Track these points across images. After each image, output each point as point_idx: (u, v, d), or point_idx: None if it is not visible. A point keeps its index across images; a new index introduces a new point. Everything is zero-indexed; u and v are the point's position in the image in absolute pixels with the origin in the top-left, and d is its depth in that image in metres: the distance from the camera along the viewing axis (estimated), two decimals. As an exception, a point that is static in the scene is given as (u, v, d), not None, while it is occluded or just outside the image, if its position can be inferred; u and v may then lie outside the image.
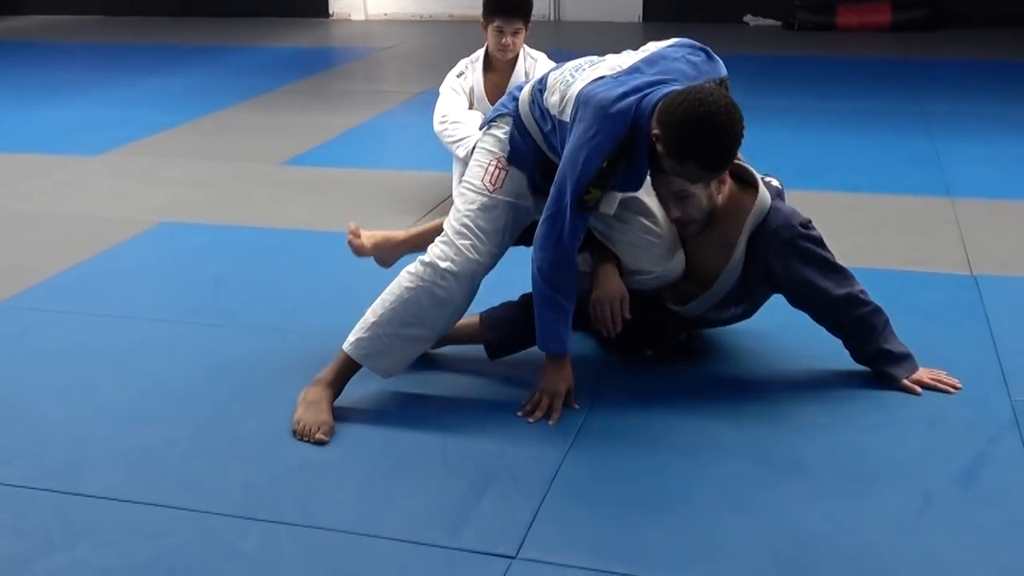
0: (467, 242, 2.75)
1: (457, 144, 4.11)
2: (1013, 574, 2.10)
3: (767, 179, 2.91)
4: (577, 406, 2.77)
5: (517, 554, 2.19)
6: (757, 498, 2.38)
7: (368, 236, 3.16)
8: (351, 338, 2.79)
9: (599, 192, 2.60)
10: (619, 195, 2.77)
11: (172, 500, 2.41)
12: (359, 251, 3.16)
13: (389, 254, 3.19)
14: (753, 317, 3.02)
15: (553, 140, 2.72)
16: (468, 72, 4.28)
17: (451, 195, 4.33)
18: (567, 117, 2.64)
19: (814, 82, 7.18)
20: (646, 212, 2.81)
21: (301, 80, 7.58)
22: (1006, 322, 3.23)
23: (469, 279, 2.76)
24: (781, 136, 5.52)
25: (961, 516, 2.29)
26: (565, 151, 2.62)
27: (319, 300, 3.52)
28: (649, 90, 2.55)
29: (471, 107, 4.26)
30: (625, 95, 2.53)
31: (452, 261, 2.74)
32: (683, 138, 2.43)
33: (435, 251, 2.78)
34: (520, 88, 2.87)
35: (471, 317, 2.99)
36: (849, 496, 2.38)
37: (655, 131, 2.48)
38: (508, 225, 2.80)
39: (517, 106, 2.81)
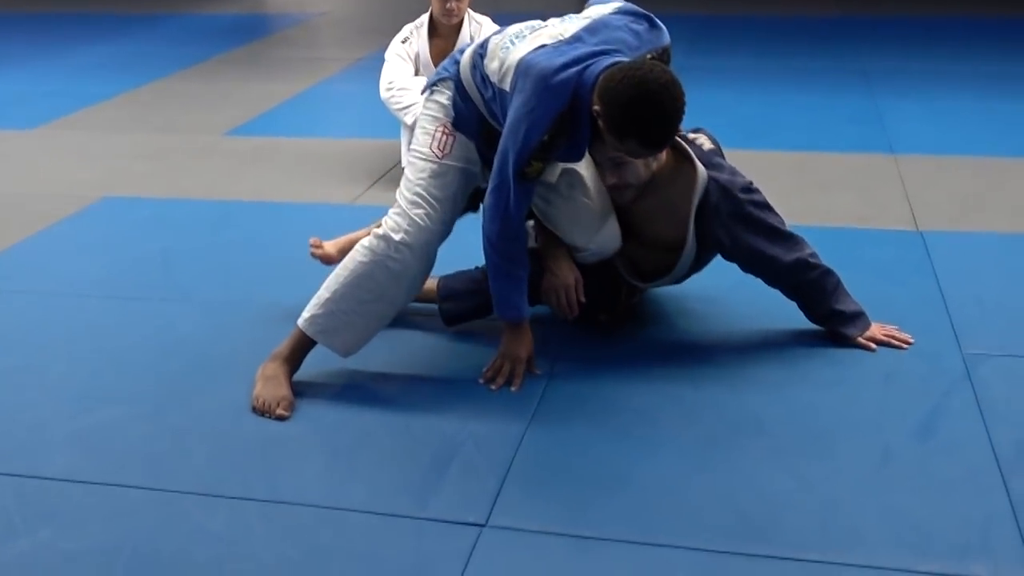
0: (420, 211, 2.72)
1: (405, 111, 4.07)
2: (973, 524, 2.16)
3: (699, 138, 2.91)
4: (539, 371, 2.78)
5: (487, 522, 2.20)
6: (720, 458, 2.42)
7: (332, 244, 3.15)
8: (306, 314, 2.76)
9: (541, 164, 2.58)
10: (560, 165, 2.77)
11: (134, 480, 2.38)
12: (326, 260, 3.13)
13: None
14: (705, 279, 3.05)
15: (494, 107, 2.68)
16: (413, 38, 4.23)
17: (400, 162, 4.30)
18: (507, 86, 2.59)
19: (754, 42, 7.22)
20: (583, 188, 2.81)
21: (237, 48, 7.46)
22: (953, 277, 3.29)
23: (424, 249, 2.74)
24: (725, 96, 5.55)
25: (920, 469, 2.34)
26: (506, 122, 2.58)
27: (271, 273, 3.48)
28: (590, 61, 2.50)
29: (417, 73, 4.22)
30: (566, 66, 2.49)
31: (406, 232, 2.71)
32: (624, 117, 2.41)
33: (388, 223, 2.74)
34: (462, 51, 2.81)
35: (430, 280, 2.99)
36: (810, 453, 2.42)
37: (596, 107, 2.46)
38: (459, 191, 2.78)
39: (458, 70, 2.76)
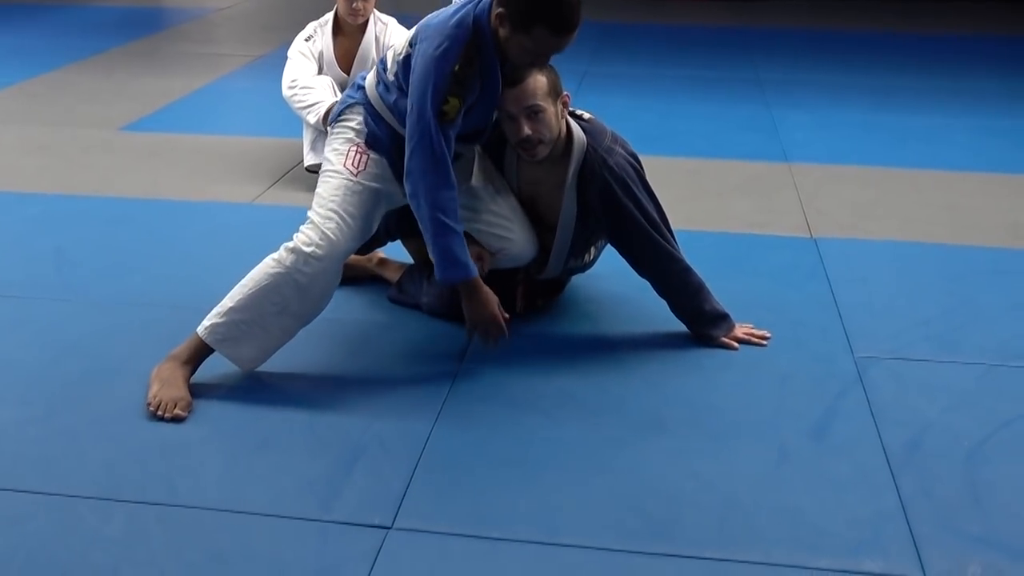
0: (333, 225, 2.70)
1: (308, 110, 4.04)
2: (865, 522, 2.23)
3: (583, 114, 2.97)
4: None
5: (392, 524, 2.20)
6: (623, 458, 2.45)
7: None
8: (206, 322, 2.71)
9: (458, 101, 2.57)
10: (487, 165, 2.86)
11: (26, 484, 2.31)
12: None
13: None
14: (611, 280, 3.10)
15: (401, 107, 2.70)
16: (317, 36, 4.20)
17: (303, 162, 4.26)
18: (405, 52, 2.65)
19: (653, 50, 7.34)
20: (496, 198, 2.91)
21: (133, 41, 7.28)
22: (845, 282, 3.40)
23: (333, 263, 2.71)
24: (625, 103, 5.61)
25: (814, 469, 2.41)
26: (413, 74, 2.60)
27: (168, 272, 3.41)
28: None
29: (321, 72, 4.18)
30: (461, 7, 2.59)
31: (317, 245, 2.68)
32: (528, 4, 2.47)
33: (299, 237, 2.71)
34: (363, 78, 2.85)
35: (398, 266, 3.22)
36: (710, 453, 2.47)
37: (497, 12, 2.51)
38: (373, 211, 2.76)
39: (365, 94, 2.79)
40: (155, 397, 2.60)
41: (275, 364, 2.81)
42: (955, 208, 4.14)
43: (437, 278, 2.71)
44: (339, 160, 2.76)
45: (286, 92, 4.10)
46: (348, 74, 4.18)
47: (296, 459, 2.43)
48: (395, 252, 3.36)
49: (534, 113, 2.74)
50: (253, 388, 2.72)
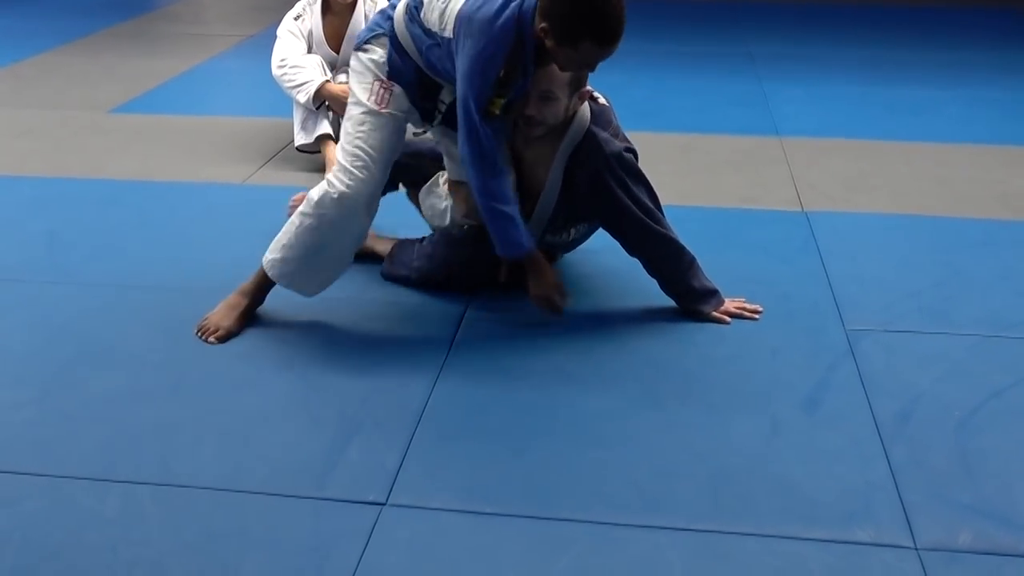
0: (360, 163, 2.78)
1: (298, 89, 4.03)
2: (856, 492, 2.24)
3: (599, 96, 2.99)
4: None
5: (387, 500, 2.21)
6: (616, 431, 2.46)
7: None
8: (268, 255, 2.88)
9: (502, 100, 2.66)
10: None
11: (21, 466, 2.31)
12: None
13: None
14: (604, 255, 3.10)
15: (432, 57, 2.73)
16: (306, 15, 4.18)
17: (292, 141, 4.25)
18: (449, 33, 2.66)
19: (644, 24, 7.30)
20: None
21: (121, 23, 7.24)
22: (836, 255, 3.40)
23: (366, 199, 2.81)
24: (615, 78, 5.56)
25: (807, 440, 2.42)
26: (458, 70, 2.64)
27: (160, 253, 3.41)
28: None
29: (310, 51, 4.17)
30: (506, 4, 2.59)
31: (348, 186, 2.77)
32: (573, 20, 2.50)
33: (331, 179, 2.80)
34: (394, 6, 2.84)
35: (389, 239, 3.25)
36: (703, 426, 2.48)
37: (541, 26, 2.54)
38: (397, 143, 2.85)
39: (392, 25, 2.80)
40: (208, 318, 2.83)
41: (269, 342, 2.82)
42: (946, 180, 4.15)
43: (498, 254, 2.83)
44: (364, 94, 2.80)
45: (276, 71, 4.09)
46: (338, 53, 4.17)
47: (290, 437, 2.43)
48: (386, 226, 3.36)
49: (546, 98, 2.77)
50: (246, 366, 2.73)
